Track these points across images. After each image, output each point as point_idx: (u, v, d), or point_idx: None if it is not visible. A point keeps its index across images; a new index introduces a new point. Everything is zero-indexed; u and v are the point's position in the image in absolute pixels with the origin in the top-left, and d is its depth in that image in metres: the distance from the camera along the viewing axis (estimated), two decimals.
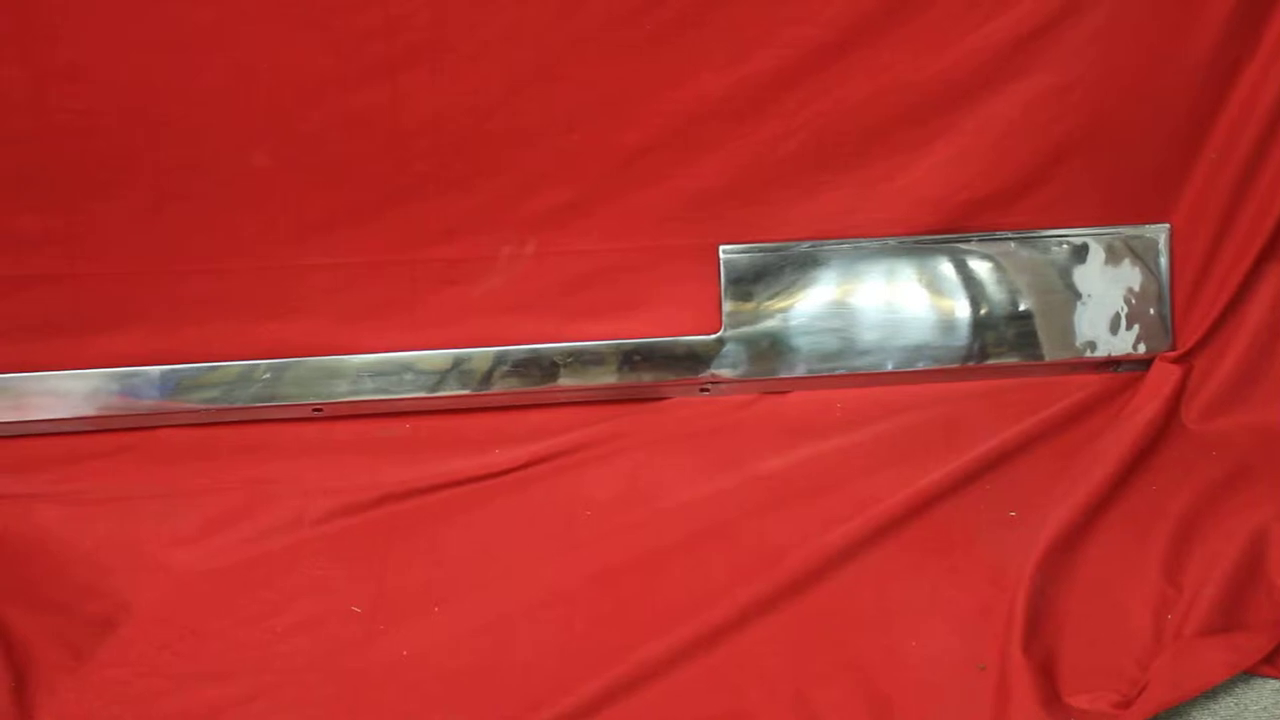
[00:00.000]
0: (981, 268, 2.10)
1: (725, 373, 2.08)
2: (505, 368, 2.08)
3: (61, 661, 1.78)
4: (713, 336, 2.07)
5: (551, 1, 1.91)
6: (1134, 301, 2.12)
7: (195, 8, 1.90)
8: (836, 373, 2.09)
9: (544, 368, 2.08)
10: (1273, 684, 1.69)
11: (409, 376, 2.06)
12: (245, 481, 2.02)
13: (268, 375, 2.07)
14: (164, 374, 2.06)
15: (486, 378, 2.08)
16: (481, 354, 2.08)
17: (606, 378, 2.09)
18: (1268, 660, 1.70)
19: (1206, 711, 1.66)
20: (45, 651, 1.78)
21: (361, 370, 2.06)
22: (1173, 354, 2.11)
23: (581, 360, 2.08)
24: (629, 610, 1.81)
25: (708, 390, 2.10)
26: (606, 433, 2.07)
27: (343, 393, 2.07)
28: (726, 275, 2.07)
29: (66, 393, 2.06)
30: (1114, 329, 2.12)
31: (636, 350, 2.09)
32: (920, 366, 2.11)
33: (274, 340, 2.07)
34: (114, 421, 2.07)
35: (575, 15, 1.92)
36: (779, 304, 2.08)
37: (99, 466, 2.05)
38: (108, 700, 1.74)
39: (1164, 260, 2.12)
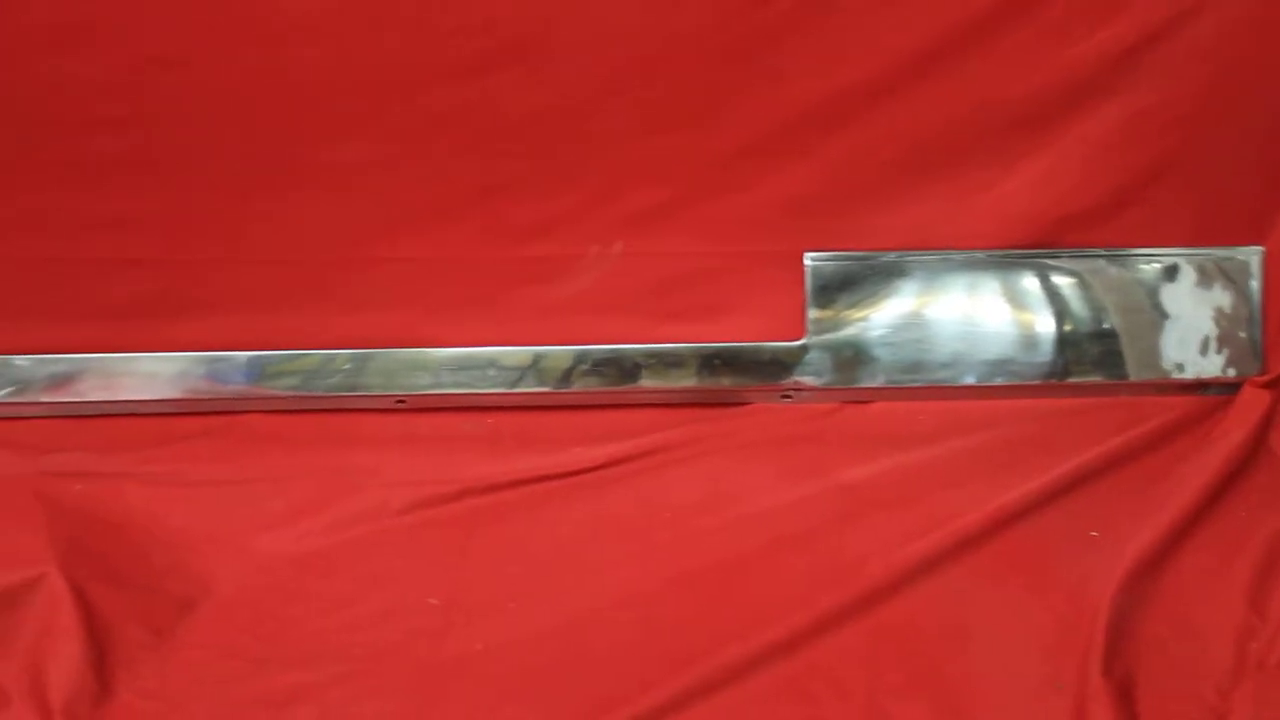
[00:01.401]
0: (1069, 284, 2.09)
1: (808, 380, 2.07)
2: (586, 367, 2.09)
3: (143, 640, 1.81)
4: (796, 343, 2.07)
5: (648, 4, 1.91)
6: (1224, 324, 2.09)
7: None
8: (919, 384, 2.08)
9: (625, 368, 2.09)
10: None
11: (492, 372, 2.07)
12: (328, 470, 2.04)
13: (352, 365, 2.09)
14: (250, 360, 2.09)
15: (567, 376, 2.09)
16: (563, 352, 2.09)
17: (687, 381, 2.09)
18: None
19: None
20: (127, 629, 1.81)
21: (445, 364, 2.08)
22: (1262, 379, 2.08)
23: (663, 362, 2.09)
24: (705, 614, 1.80)
25: (790, 397, 2.09)
26: (687, 436, 2.07)
27: (426, 386, 2.08)
28: (812, 283, 2.06)
29: (155, 375, 2.09)
30: (1203, 351, 2.09)
31: (718, 354, 2.09)
32: (1003, 381, 2.09)
33: (360, 331, 2.09)
34: (201, 405, 2.11)
35: (673, 17, 1.91)
36: (863, 313, 2.07)
37: (185, 449, 2.08)
38: (187, 680, 1.76)
39: (1255, 283, 2.09)
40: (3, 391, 2.10)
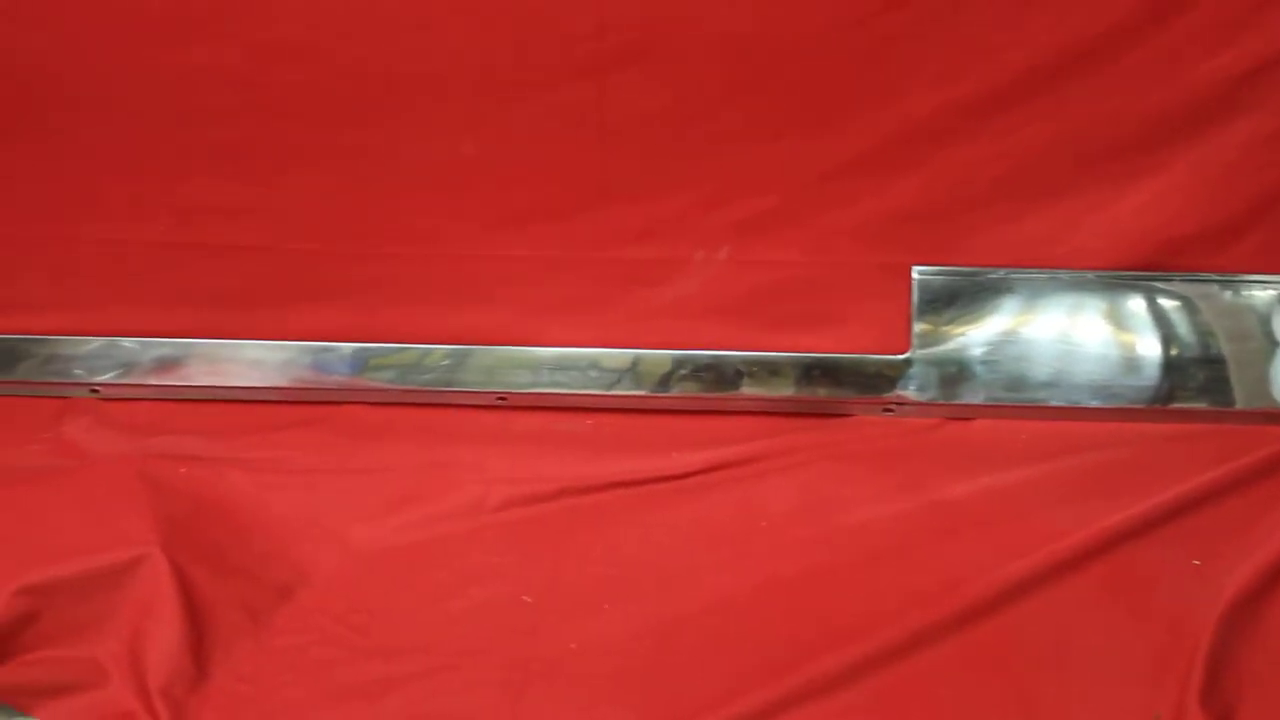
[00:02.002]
0: (1177, 308, 2.05)
1: (911, 394, 2.05)
2: (685, 372, 2.09)
3: (241, 625, 1.83)
4: (901, 357, 2.05)
5: (765, 11, 1.90)
6: None
7: None
8: (1023, 403, 2.05)
9: (726, 375, 2.08)
10: None
11: (594, 373, 2.08)
12: (427, 464, 2.05)
13: (455, 361, 2.10)
14: (355, 351, 2.11)
15: (667, 380, 2.09)
16: (663, 356, 2.09)
17: (787, 390, 2.08)
18: None
19: None
20: (226, 614, 1.83)
21: (548, 363, 2.09)
22: None
23: (764, 371, 2.08)
24: (799, 625, 1.79)
25: (891, 411, 2.08)
26: (786, 445, 2.05)
27: (528, 384, 2.09)
28: (919, 296, 2.05)
29: (261, 362, 2.12)
30: None
31: (820, 365, 2.08)
32: (1106, 404, 2.06)
33: (463, 327, 2.11)
34: (305, 394, 2.13)
35: (789, 26, 1.90)
36: (969, 329, 2.05)
37: (288, 437, 2.10)
38: (282, 666, 1.78)
39: None
40: (111, 373, 2.14)
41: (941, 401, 2.06)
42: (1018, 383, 2.05)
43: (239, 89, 1.98)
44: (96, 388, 2.15)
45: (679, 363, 2.09)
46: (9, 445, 2.10)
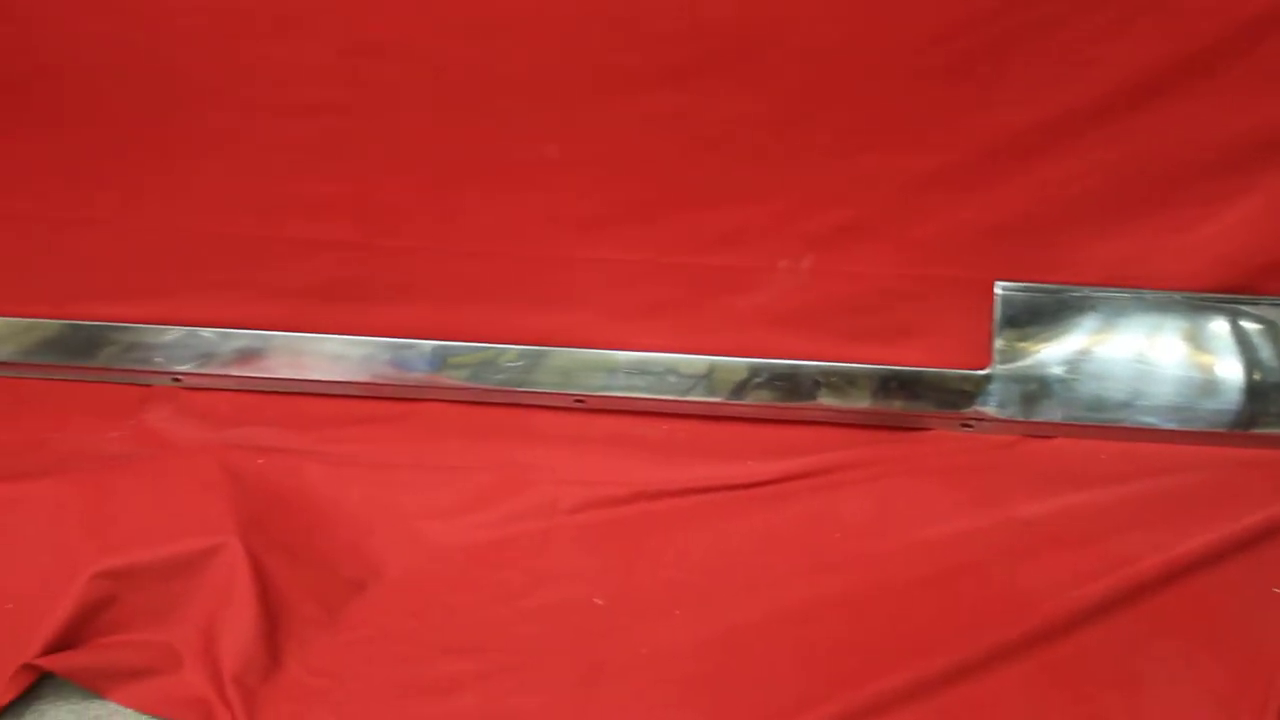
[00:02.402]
0: (1262, 332, 2.02)
1: (990, 410, 2.04)
2: (761, 380, 2.08)
3: (314, 616, 1.84)
4: (981, 372, 2.04)
5: (858, 23, 1.90)
6: None
7: None
8: (1102, 423, 2.03)
9: (802, 385, 2.08)
10: None
11: (672, 379, 2.08)
12: (503, 463, 2.06)
13: (532, 361, 2.11)
14: (435, 349, 2.13)
15: (743, 388, 2.09)
16: (739, 364, 2.09)
17: (863, 402, 2.07)
18: None
19: None
20: (300, 605, 1.85)
21: (627, 367, 2.09)
22: None
23: (841, 381, 2.07)
24: (870, 638, 1.79)
25: (970, 426, 2.06)
26: (863, 457, 2.05)
27: (606, 387, 2.10)
28: (1001, 312, 2.03)
29: (342, 356, 2.14)
30: None
31: (898, 377, 2.07)
32: (1187, 427, 2.03)
33: (545, 328, 2.12)
34: (384, 390, 2.15)
35: (880, 37, 1.90)
36: (1052, 347, 2.04)
37: (366, 432, 2.12)
38: (354, 659, 1.80)
39: None
40: (193, 363, 2.17)
41: (1020, 419, 2.04)
42: (1098, 402, 2.04)
43: (330, 85, 2.00)
44: (179, 376, 2.17)
45: (755, 371, 2.09)
46: (92, 431, 2.13)
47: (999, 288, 2.03)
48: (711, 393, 2.09)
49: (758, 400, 2.09)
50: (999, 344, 2.04)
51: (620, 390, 2.10)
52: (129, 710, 1.75)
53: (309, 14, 1.95)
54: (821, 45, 1.91)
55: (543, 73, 1.97)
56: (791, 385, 2.08)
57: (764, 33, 1.91)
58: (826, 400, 2.07)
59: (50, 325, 2.20)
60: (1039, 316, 2.04)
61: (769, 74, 1.93)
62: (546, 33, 1.94)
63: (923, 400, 2.06)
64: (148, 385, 2.19)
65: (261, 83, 2.01)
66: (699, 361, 2.09)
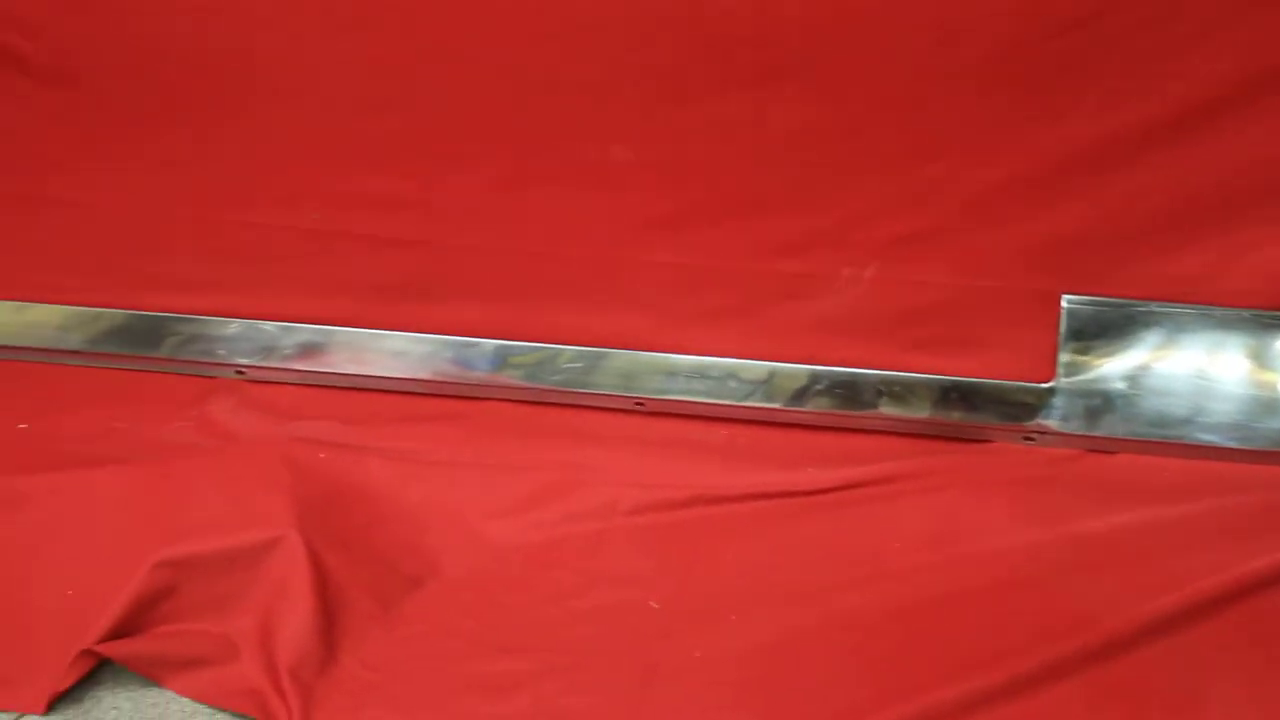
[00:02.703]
0: None
1: (1053, 424, 2.02)
2: (821, 387, 2.08)
3: (371, 611, 1.85)
4: (1044, 385, 2.03)
5: (928, 32, 1.89)
6: None
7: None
8: (1167, 439, 2.01)
9: (863, 393, 2.07)
10: None
11: (733, 384, 2.08)
12: (562, 464, 2.06)
13: (594, 363, 2.12)
14: (497, 348, 2.13)
15: (803, 395, 2.08)
16: (801, 371, 2.08)
17: (925, 412, 2.06)
18: None
19: None
20: (357, 600, 1.85)
21: (688, 371, 2.09)
22: None
23: (902, 391, 2.07)
24: (926, 649, 1.77)
25: (1032, 440, 2.05)
26: (923, 468, 2.03)
27: (666, 390, 2.10)
28: (1067, 325, 2.02)
29: (405, 353, 2.15)
30: None
31: (959, 388, 2.06)
32: (1253, 445, 2.01)
33: (607, 330, 2.12)
34: (445, 388, 2.16)
35: (952, 46, 1.89)
36: (1117, 362, 2.02)
37: (427, 430, 2.13)
38: (408, 655, 1.80)
39: None
40: (257, 356, 2.18)
41: (1083, 433, 2.03)
42: (1162, 418, 2.02)
43: (399, 83, 2.02)
44: (242, 369, 2.19)
45: (815, 378, 2.08)
46: (156, 421, 2.15)
47: (1065, 301, 2.02)
48: (771, 399, 2.09)
49: (817, 407, 2.08)
50: (1064, 357, 2.02)
51: (680, 394, 2.10)
52: (185, 699, 1.76)
53: (382, 12, 1.97)
54: (890, 53, 1.91)
55: (611, 76, 1.97)
56: (852, 393, 2.07)
57: (832, 40, 1.91)
58: (887, 409, 2.07)
59: (116, 315, 2.23)
60: (1104, 330, 2.02)
61: (836, 81, 1.93)
62: (615, 36, 1.95)
63: (984, 412, 2.05)
64: (212, 377, 2.21)
65: (333, 79, 2.03)
66: (759, 367, 2.09)
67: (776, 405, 2.09)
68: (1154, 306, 2.02)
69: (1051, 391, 2.03)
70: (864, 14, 1.90)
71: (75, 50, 2.10)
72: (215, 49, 2.04)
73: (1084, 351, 2.02)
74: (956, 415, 2.06)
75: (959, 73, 1.91)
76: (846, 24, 1.90)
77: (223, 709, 1.74)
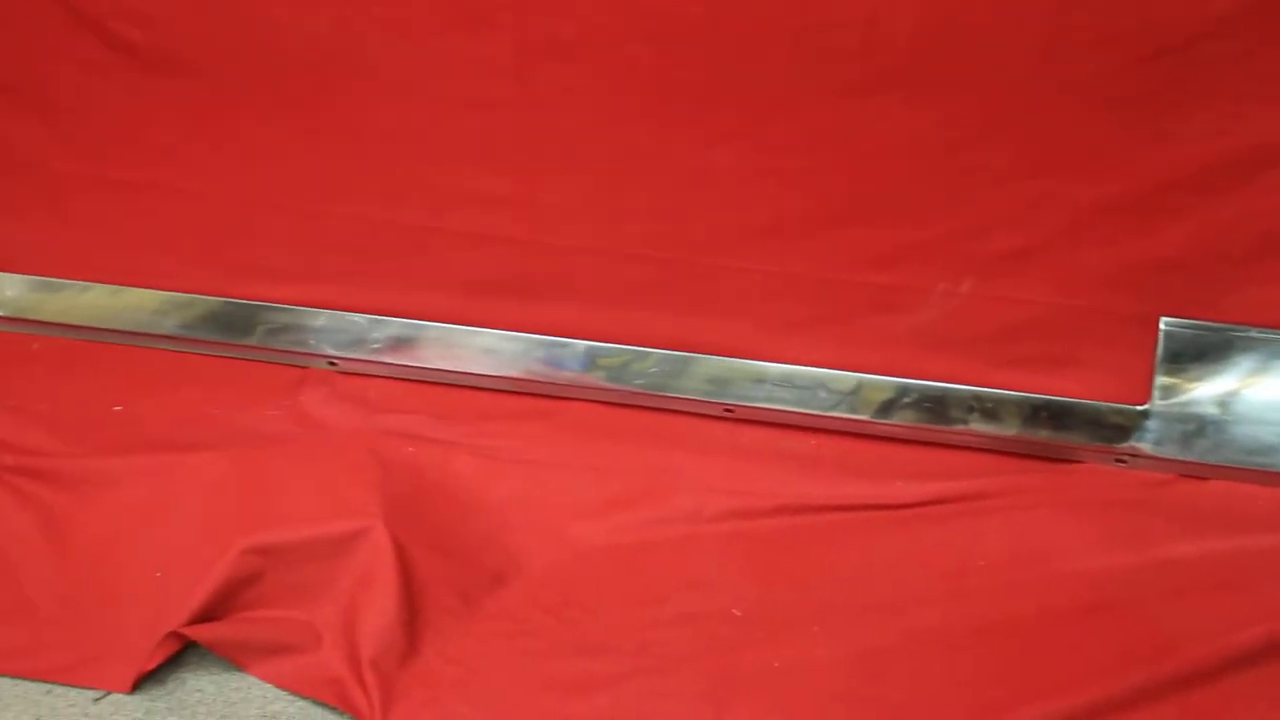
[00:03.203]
0: None
1: (1145, 447, 1.99)
2: (909, 400, 2.06)
3: (453, 606, 1.86)
4: (1139, 408, 2.00)
5: (1039, 48, 1.87)
6: None
7: (686, 4, 1.94)
8: (1263, 468, 1.97)
9: (953, 408, 2.05)
10: None
11: (823, 394, 2.06)
12: (649, 467, 2.07)
13: (685, 367, 2.11)
14: (588, 349, 2.14)
15: (891, 408, 2.06)
16: (889, 383, 2.07)
17: (1015, 430, 2.04)
18: None
19: None
20: (440, 594, 1.87)
21: (777, 379, 2.08)
22: None
23: (992, 408, 2.04)
24: (1008, 669, 1.76)
25: (1124, 462, 2.02)
26: (1012, 485, 2.02)
27: (756, 398, 2.09)
28: (1164, 348, 1.99)
29: (496, 351, 2.16)
30: None
31: (1049, 407, 2.03)
32: None
33: (699, 335, 2.12)
34: (535, 386, 2.16)
35: (1062, 63, 1.87)
36: (1214, 387, 1.99)
37: (515, 427, 2.13)
38: (489, 651, 1.81)
39: None
40: (350, 348, 2.20)
41: (1177, 458, 2.00)
42: (1257, 446, 1.98)
43: (506, 82, 2.03)
44: (335, 360, 2.20)
45: (905, 391, 2.07)
46: (249, 408, 2.17)
47: (1164, 324, 1.99)
48: (860, 410, 2.07)
49: (906, 421, 2.07)
50: (1160, 380, 1.99)
51: (769, 402, 2.09)
52: (267, 685, 1.78)
53: (492, 10, 1.98)
54: (1000, 68, 1.90)
55: (718, 83, 1.97)
56: (942, 408, 2.06)
57: (942, 52, 1.90)
58: (977, 426, 2.05)
59: (211, 301, 2.25)
60: (1202, 355, 1.99)
61: (944, 94, 1.92)
62: (724, 44, 1.94)
63: (1076, 432, 2.02)
64: (304, 367, 2.22)
65: (441, 76, 2.04)
66: (849, 378, 2.08)
67: (865, 417, 2.08)
68: (1253, 332, 1.98)
69: (1146, 414, 2.00)
70: (972, 28, 1.88)
71: (185, 40, 2.12)
72: (324, 42, 2.05)
73: (1180, 375, 1.99)
74: (1045, 434, 2.04)
75: (1066, 90, 1.89)
76: (954, 38, 1.88)
77: (304, 696, 1.76)
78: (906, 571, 1.91)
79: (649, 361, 2.11)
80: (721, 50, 1.95)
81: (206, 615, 1.81)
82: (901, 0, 1.89)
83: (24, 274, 2.30)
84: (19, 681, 1.78)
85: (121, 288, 2.28)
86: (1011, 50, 1.88)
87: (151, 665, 1.78)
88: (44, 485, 2.02)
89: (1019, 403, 2.04)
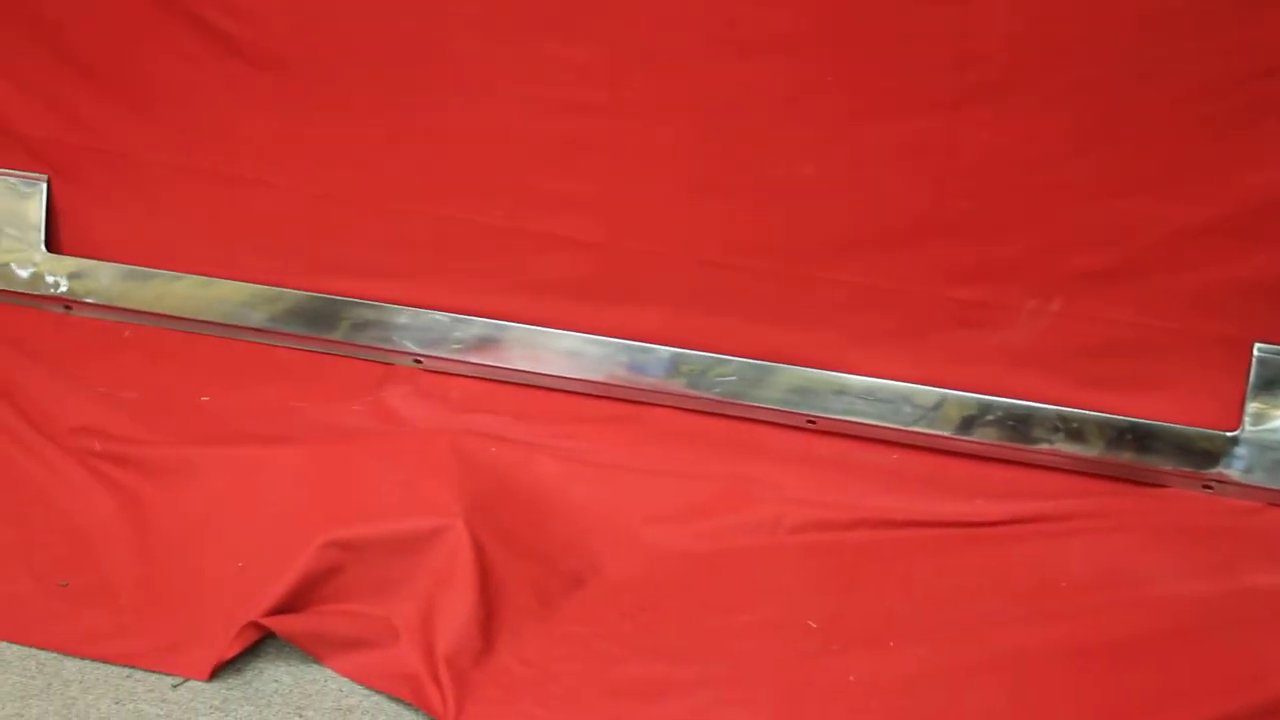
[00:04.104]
0: None
1: (1234, 474, 1.97)
2: (993, 418, 2.04)
3: (529, 607, 1.87)
4: (1229, 434, 1.97)
5: (1132, 64, 1.86)
6: None
7: (769, 13, 1.94)
8: None
9: (1037, 427, 2.03)
10: None
11: (907, 409, 2.05)
12: (729, 475, 2.06)
13: (768, 377, 2.09)
14: (672, 356, 2.12)
15: (977, 424, 2.04)
16: (975, 400, 2.04)
17: (1099, 451, 2.02)
18: None
19: None
20: (517, 594, 1.87)
21: (861, 392, 2.06)
22: None
23: (1078, 428, 2.02)
24: (1085, 694, 1.75)
25: (1211, 489, 1.99)
26: (1096, 508, 2.00)
27: (838, 410, 2.07)
28: (1257, 374, 1.95)
29: (579, 354, 2.15)
30: None
31: (1135, 430, 2.00)
32: None
33: (781, 345, 2.10)
34: (616, 391, 2.15)
35: (1155, 81, 1.86)
36: None
37: (596, 431, 2.13)
38: (564, 654, 1.82)
39: None
40: (435, 346, 2.20)
41: (1267, 486, 1.97)
42: None
43: (595, 87, 2.03)
44: (420, 358, 2.21)
45: (990, 408, 2.04)
46: (333, 401, 2.18)
47: (1257, 349, 1.96)
48: (943, 426, 2.05)
49: (989, 438, 2.05)
50: (1252, 406, 1.96)
51: (851, 414, 2.07)
52: (343, 678, 1.79)
53: (586, 17, 1.98)
54: (1094, 83, 1.88)
55: (806, 93, 1.96)
56: (1026, 427, 2.03)
57: (1034, 67, 1.88)
58: (1061, 446, 2.03)
59: (297, 296, 2.25)
60: None
61: (1036, 109, 1.91)
62: (812, 54, 1.94)
63: (1163, 456, 2.00)
64: (389, 364, 2.23)
65: (531, 79, 2.04)
66: (932, 393, 2.06)
67: (947, 433, 2.06)
68: None
69: (1235, 441, 1.97)
70: (1065, 42, 1.87)
71: (278, 35, 2.13)
72: (415, 42, 2.06)
73: (1272, 402, 1.96)
74: (1130, 456, 2.01)
75: (1160, 108, 1.87)
76: (1047, 51, 1.87)
77: (378, 691, 1.77)
78: (986, 590, 1.90)
79: (731, 369, 2.10)
80: (809, 61, 1.94)
81: (286, 607, 1.82)
82: (993, 13, 1.87)
83: (116, 262, 2.32)
84: (100, 664, 1.80)
85: (210, 279, 2.29)
86: (1106, 65, 1.87)
87: (230, 654, 1.79)
88: (130, 472, 2.04)
89: (1105, 424, 2.02)
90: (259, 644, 1.82)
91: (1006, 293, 2.02)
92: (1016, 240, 1.99)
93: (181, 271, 2.29)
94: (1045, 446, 2.03)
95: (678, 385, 2.12)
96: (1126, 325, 2.01)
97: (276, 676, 1.80)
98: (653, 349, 2.12)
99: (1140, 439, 2.01)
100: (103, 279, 2.30)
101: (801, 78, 1.96)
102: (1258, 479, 1.97)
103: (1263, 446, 1.96)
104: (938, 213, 2.00)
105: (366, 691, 1.78)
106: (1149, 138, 1.90)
